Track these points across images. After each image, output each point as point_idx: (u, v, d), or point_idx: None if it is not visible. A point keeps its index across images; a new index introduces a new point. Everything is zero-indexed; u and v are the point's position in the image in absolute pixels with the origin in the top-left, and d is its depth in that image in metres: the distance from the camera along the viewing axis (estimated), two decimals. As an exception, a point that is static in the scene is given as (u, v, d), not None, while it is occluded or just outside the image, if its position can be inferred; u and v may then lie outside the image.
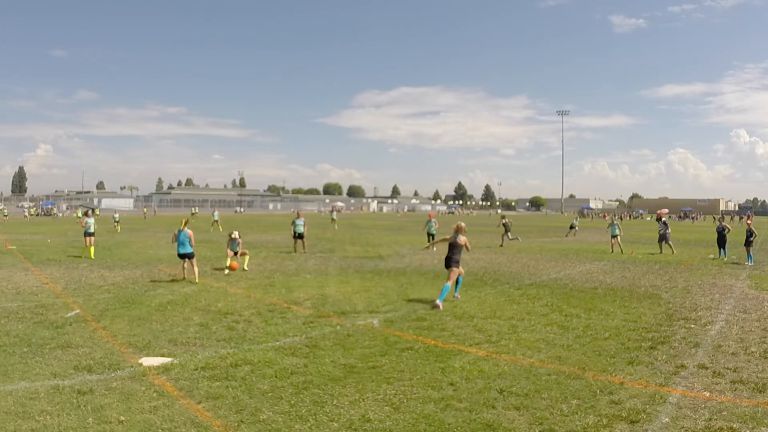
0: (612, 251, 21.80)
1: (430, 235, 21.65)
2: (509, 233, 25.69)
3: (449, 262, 10.55)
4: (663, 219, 23.69)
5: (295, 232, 20.75)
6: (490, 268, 16.36)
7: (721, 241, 20.21)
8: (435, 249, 19.22)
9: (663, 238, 22.11)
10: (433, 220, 22.76)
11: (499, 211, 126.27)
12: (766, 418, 4.83)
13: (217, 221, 38.15)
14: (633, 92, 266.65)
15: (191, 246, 12.80)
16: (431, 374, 6.02)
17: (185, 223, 12.98)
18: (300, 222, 20.86)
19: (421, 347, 7.15)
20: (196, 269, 12.80)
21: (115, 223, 37.34)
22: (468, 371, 6.11)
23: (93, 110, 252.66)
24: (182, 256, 12.88)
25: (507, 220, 26.32)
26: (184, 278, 12.97)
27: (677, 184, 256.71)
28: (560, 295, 11.49)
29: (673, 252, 21.47)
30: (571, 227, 35.01)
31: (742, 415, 4.87)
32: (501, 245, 24.66)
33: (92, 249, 18.17)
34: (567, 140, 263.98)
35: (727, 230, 20.41)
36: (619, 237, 22.30)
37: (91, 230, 18.36)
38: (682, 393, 5.48)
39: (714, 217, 58.83)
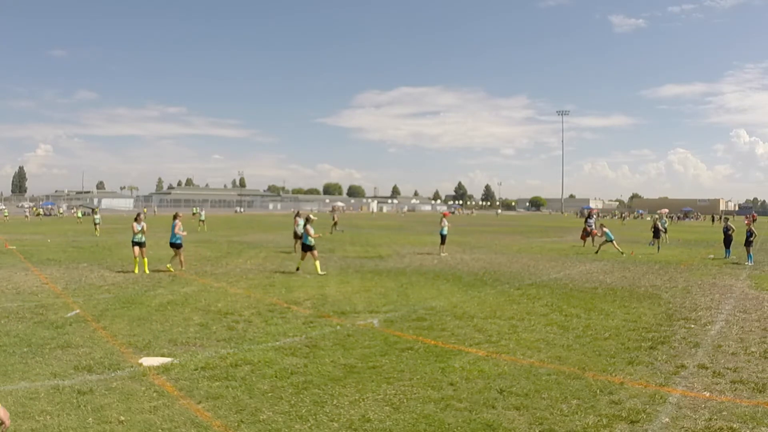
0: (622, 253, 21.09)
1: (443, 236, 20.87)
2: (336, 226, 31.72)
3: (656, 234, 22.92)
4: (594, 217, 24.95)
5: (295, 233, 20.82)
6: (490, 268, 16.36)
7: (727, 241, 20.37)
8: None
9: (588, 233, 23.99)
10: (444, 220, 21.54)
11: (406, 208, 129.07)
12: (766, 418, 4.83)
13: (203, 221, 37.91)
14: (633, 92, 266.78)
15: (175, 236, 14.64)
16: (431, 374, 6.02)
17: (174, 217, 15.19)
18: (301, 221, 20.94)
19: (421, 347, 7.15)
20: (179, 259, 14.77)
21: (95, 225, 32.12)
22: (468, 371, 6.11)
23: (93, 110, 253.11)
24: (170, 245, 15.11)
25: (336, 215, 33.24)
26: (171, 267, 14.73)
27: (677, 184, 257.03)
28: (560, 295, 11.49)
29: (584, 244, 23.51)
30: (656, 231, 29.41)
31: (742, 415, 4.87)
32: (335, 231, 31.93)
33: (145, 261, 14.60)
34: (567, 140, 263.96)
35: (731, 230, 20.51)
36: (595, 236, 22.73)
37: (139, 238, 14.55)
38: (682, 393, 5.48)
39: (719, 217, 58.89)
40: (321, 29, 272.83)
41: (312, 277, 13.87)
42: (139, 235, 14.52)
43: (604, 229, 22.60)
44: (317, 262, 14.44)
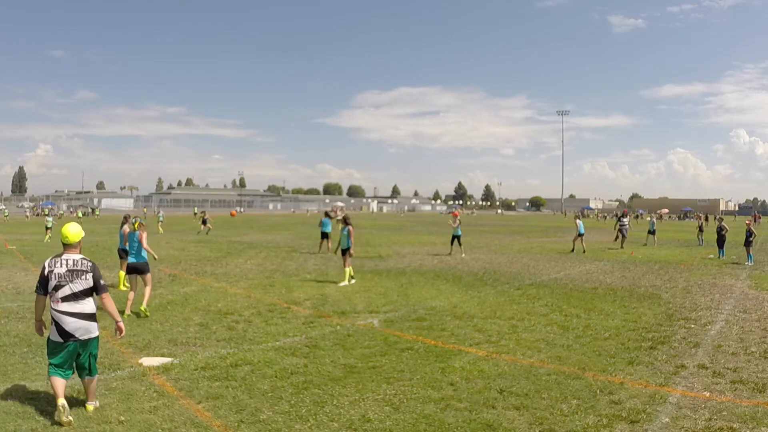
0: (573, 250, 22.39)
1: (456, 237, 20.30)
2: (206, 225, 31.18)
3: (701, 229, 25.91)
4: (578, 221, 24.51)
5: (323, 233, 20.74)
6: (490, 268, 16.36)
7: (720, 241, 20.41)
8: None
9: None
10: (457, 219, 21.15)
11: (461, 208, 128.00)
12: (766, 418, 4.83)
13: (161, 221, 37.08)
14: (633, 92, 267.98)
15: (140, 253, 9.35)
16: (431, 374, 6.01)
17: (137, 225, 9.68)
18: (327, 221, 20.83)
19: (421, 347, 7.15)
20: (145, 288, 9.17)
21: (47, 229, 27.34)
22: (468, 371, 6.11)
23: (93, 110, 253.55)
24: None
25: (206, 216, 32.18)
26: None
27: (677, 184, 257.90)
28: (560, 295, 11.49)
29: (621, 246, 23.50)
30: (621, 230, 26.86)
31: (742, 415, 4.87)
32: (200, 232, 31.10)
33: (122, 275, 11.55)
34: (567, 140, 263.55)
35: (725, 230, 20.57)
36: (583, 236, 22.82)
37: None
38: (682, 393, 5.48)
39: (714, 216, 58.68)
40: (321, 29, 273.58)
41: (354, 282, 12.87)
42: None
43: (578, 221, 23.38)
44: (349, 268, 12.85)
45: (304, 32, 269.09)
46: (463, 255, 19.76)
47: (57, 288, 4.73)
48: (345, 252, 12.88)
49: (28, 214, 61.84)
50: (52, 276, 4.75)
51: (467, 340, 7.55)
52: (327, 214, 21.35)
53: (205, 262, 16.84)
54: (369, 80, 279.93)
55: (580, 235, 22.44)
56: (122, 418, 4.69)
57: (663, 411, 4.99)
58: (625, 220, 24.99)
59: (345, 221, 13.32)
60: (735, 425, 4.66)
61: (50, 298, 4.75)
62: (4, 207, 65.00)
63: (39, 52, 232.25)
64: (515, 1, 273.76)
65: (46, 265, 4.83)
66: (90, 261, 4.95)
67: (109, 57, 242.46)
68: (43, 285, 4.78)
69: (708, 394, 5.44)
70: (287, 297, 10.89)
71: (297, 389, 5.49)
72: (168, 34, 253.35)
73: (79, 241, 4.99)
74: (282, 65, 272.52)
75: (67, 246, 4.93)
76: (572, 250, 22.23)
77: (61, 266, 4.79)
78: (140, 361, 6.36)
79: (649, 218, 32.48)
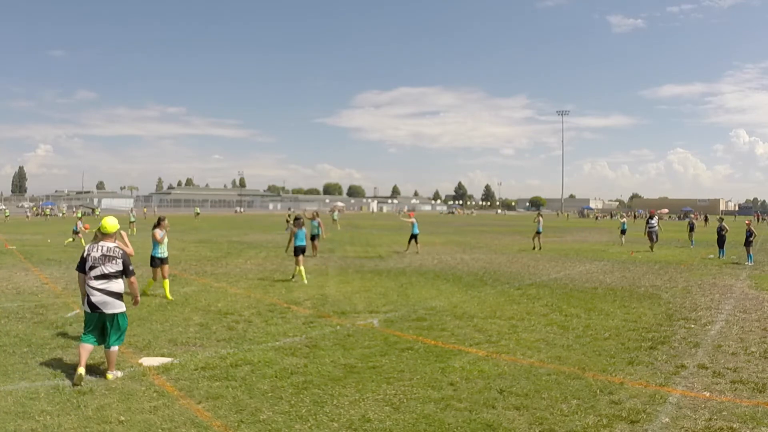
0: (534, 248, 23.26)
1: (413, 236, 20.66)
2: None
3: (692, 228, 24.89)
4: (540, 218, 24.81)
5: (310, 235, 20.62)
6: (490, 268, 16.36)
7: (720, 241, 20.43)
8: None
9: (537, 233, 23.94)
10: (412, 219, 21.38)
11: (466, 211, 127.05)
12: (766, 418, 4.83)
13: (133, 222, 33.79)
14: (632, 92, 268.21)
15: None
16: (431, 374, 6.01)
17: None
18: (314, 223, 20.76)
19: (421, 347, 7.15)
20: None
21: (75, 233, 23.25)
22: (468, 371, 6.11)
23: (93, 110, 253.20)
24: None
25: (84, 217, 29.42)
26: None
27: (677, 184, 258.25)
28: (560, 295, 11.48)
29: (540, 247, 23.19)
30: (623, 232, 27.61)
31: (742, 415, 4.87)
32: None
33: (166, 283, 10.66)
34: (567, 140, 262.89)
35: (725, 231, 20.59)
36: (540, 234, 23.83)
37: (163, 252, 10.74)
38: (682, 393, 5.48)
39: (706, 217, 58.68)
40: (321, 29, 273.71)
41: (311, 277, 13.72)
42: (162, 248, 10.72)
43: (540, 217, 24.57)
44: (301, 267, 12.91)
45: (304, 32, 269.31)
46: (418, 253, 20.26)
47: (92, 268, 5.77)
48: (299, 251, 13.13)
49: (28, 214, 61.84)
50: (89, 258, 5.80)
51: (467, 340, 7.55)
52: (315, 216, 21.23)
53: (205, 262, 16.84)
54: (369, 80, 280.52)
55: (538, 233, 23.58)
56: (122, 418, 4.69)
57: (663, 411, 4.99)
58: (653, 221, 24.01)
59: (294, 220, 13.75)
60: (735, 425, 4.66)
61: (87, 276, 5.76)
62: (5, 207, 64.98)
63: (39, 52, 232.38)
64: (515, 1, 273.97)
65: (86, 249, 5.93)
66: (121, 249, 5.98)
67: (109, 57, 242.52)
68: (82, 265, 5.84)
69: (708, 394, 5.44)
70: (287, 297, 10.89)
71: (297, 389, 5.49)
72: (168, 34, 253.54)
73: (115, 232, 6.02)
74: (282, 65, 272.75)
75: (104, 235, 5.95)
76: (538, 248, 22.92)
77: (97, 251, 5.84)
78: (140, 361, 6.36)
79: (620, 218, 32.64)
